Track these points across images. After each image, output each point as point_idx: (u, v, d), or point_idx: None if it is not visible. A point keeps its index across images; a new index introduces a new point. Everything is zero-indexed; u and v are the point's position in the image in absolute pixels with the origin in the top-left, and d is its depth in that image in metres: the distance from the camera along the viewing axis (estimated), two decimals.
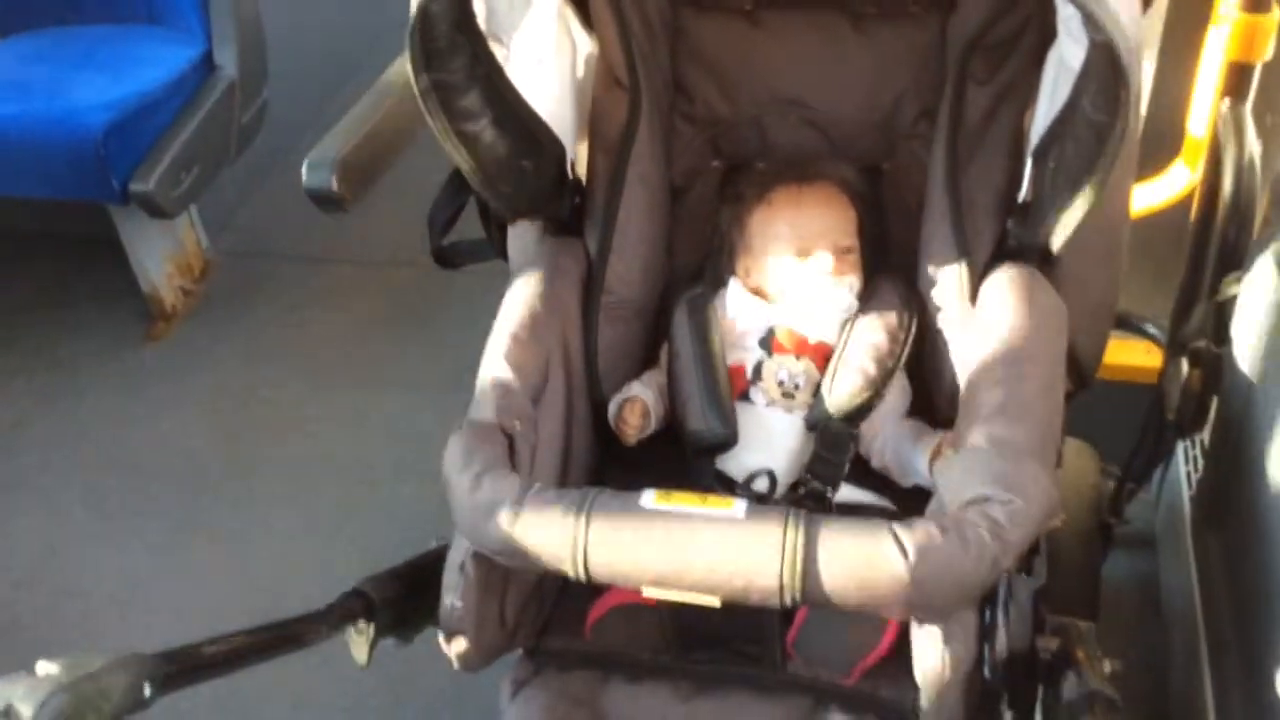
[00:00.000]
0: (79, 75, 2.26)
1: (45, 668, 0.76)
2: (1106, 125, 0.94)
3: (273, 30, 2.51)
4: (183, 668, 0.85)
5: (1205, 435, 1.49)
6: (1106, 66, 0.91)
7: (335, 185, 1.26)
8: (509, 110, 1.15)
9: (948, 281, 1.21)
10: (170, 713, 1.66)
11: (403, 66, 1.05)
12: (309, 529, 2.01)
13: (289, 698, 1.72)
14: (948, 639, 0.98)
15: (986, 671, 0.99)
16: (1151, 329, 1.63)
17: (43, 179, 2.24)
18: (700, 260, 1.39)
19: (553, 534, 0.91)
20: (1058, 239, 1.13)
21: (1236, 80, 1.46)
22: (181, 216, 2.49)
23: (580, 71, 1.29)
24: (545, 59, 1.23)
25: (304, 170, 1.27)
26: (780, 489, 1.18)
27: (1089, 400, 1.29)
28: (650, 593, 1.03)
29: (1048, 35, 1.15)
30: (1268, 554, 1.09)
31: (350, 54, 2.74)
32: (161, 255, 2.49)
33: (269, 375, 2.35)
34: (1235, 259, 1.28)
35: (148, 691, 0.80)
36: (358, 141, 1.30)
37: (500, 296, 1.23)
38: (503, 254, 1.39)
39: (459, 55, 1.06)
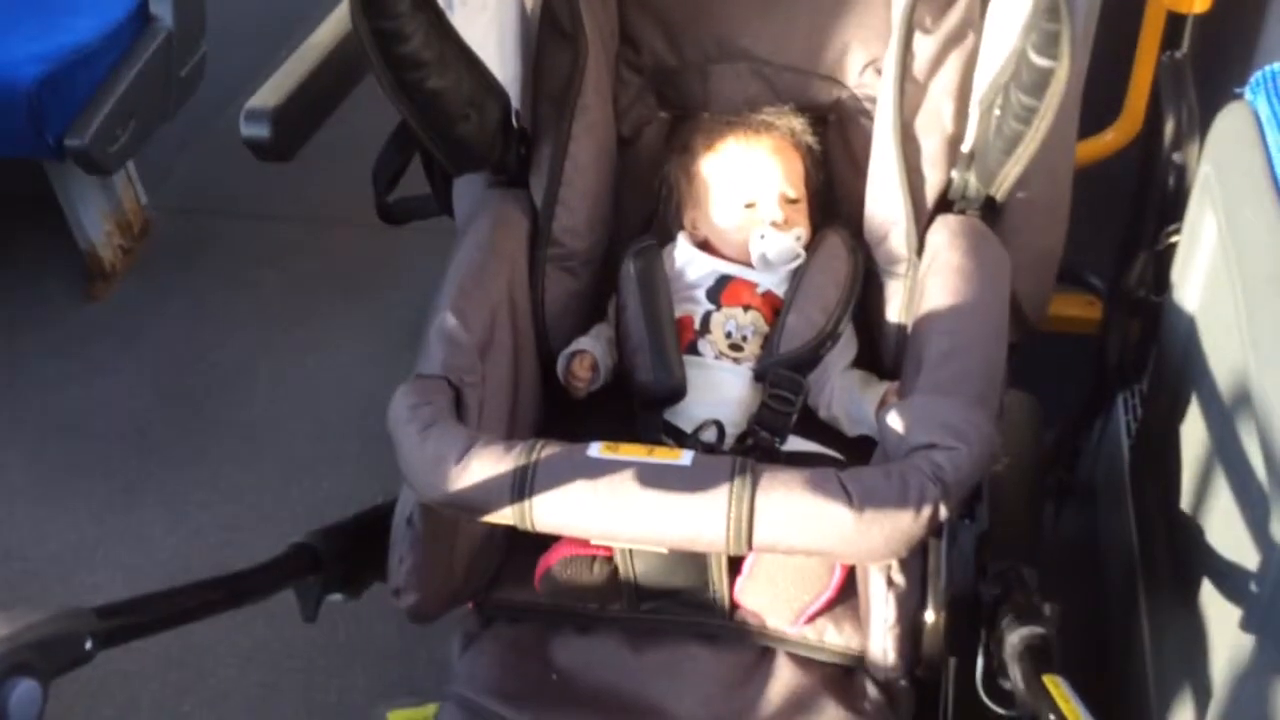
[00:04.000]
0: (9, 26, 2.18)
1: None
2: (1049, 70, 0.95)
3: None
4: (125, 622, 0.84)
5: (1145, 384, 1.52)
6: (1049, 9, 0.91)
7: (273, 134, 1.24)
8: (453, 58, 1.13)
9: (893, 231, 1.21)
10: (117, 673, 1.67)
11: (343, 14, 1.03)
12: (256, 489, 1.99)
13: (237, 655, 1.71)
14: (892, 585, 1.00)
15: (930, 615, 1.00)
16: (1094, 280, 1.65)
17: None
18: (648, 212, 1.39)
19: (499, 485, 0.91)
20: (1002, 188, 1.14)
21: (1174, 31, 1.47)
22: (119, 173, 2.43)
23: (525, 19, 1.27)
24: (489, 5, 1.21)
25: (241, 119, 1.24)
26: (728, 440, 1.19)
27: (1031, 352, 1.31)
28: (598, 542, 1.04)
29: None
30: (1202, 497, 1.11)
31: (291, 6, 2.68)
32: (99, 213, 2.42)
33: (212, 334, 2.31)
34: (1175, 209, 1.29)
35: (89, 645, 0.79)
36: (296, 90, 1.28)
37: (446, 252, 1.22)
38: (448, 209, 1.38)
39: (400, 2, 1.04)
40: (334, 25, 1.36)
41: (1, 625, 0.73)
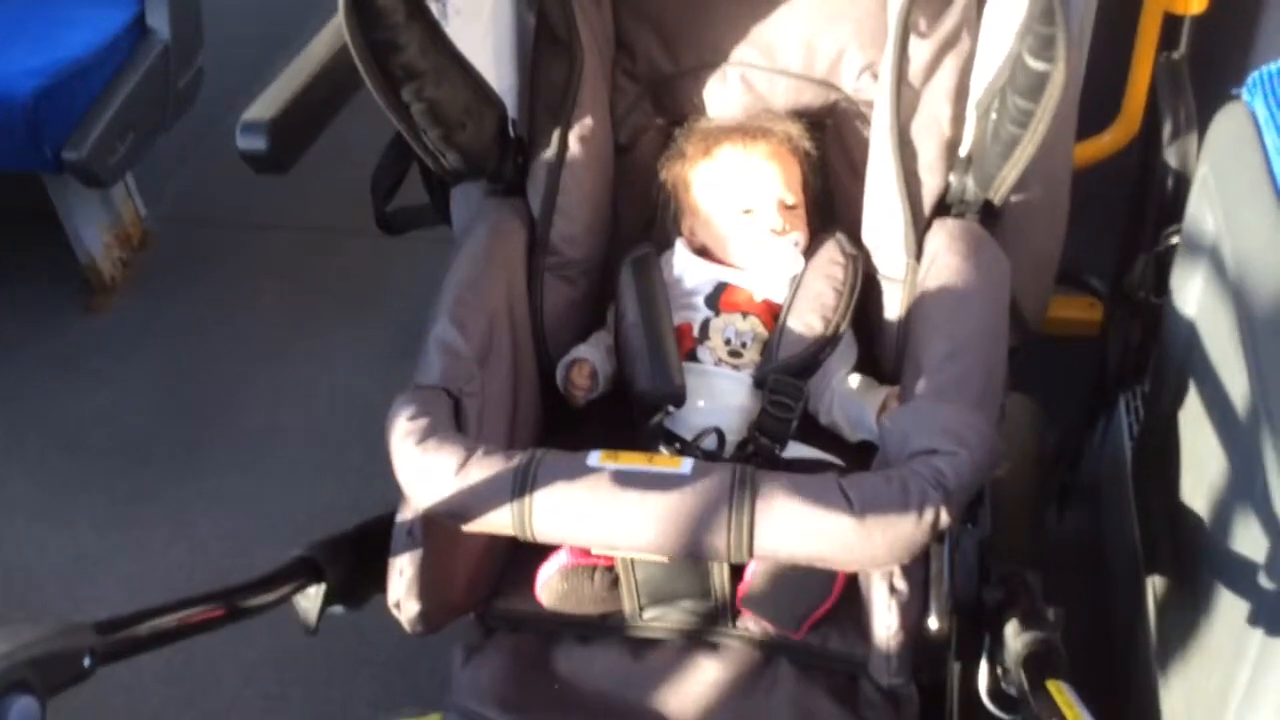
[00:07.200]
0: (7, 40, 2.19)
1: None
2: (1045, 74, 0.95)
3: None
4: (124, 638, 0.84)
5: (1146, 385, 1.52)
6: (1044, 13, 0.91)
7: (269, 146, 1.24)
8: (448, 68, 1.13)
9: (892, 236, 1.21)
10: (119, 686, 1.66)
11: (339, 24, 1.03)
12: (256, 500, 1.98)
13: (240, 668, 1.71)
14: (894, 591, 0.99)
15: (933, 621, 1.00)
16: (1094, 282, 1.65)
17: None
18: (646, 219, 1.38)
19: (498, 495, 0.91)
20: (1000, 192, 1.14)
21: (1171, 32, 1.47)
22: (118, 185, 2.43)
23: (521, 28, 1.27)
24: (483, 16, 1.21)
25: (237, 132, 1.24)
26: (729, 447, 1.18)
27: (1033, 355, 1.31)
28: (599, 551, 1.03)
29: None
30: (1205, 496, 1.11)
31: (288, 17, 2.68)
32: (98, 225, 2.43)
33: (212, 345, 2.31)
34: (1174, 210, 1.29)
35: (87, 662, 0.79)
36: (292, 101, 1.28)
37: (445, 261, 1.21)
38: (447, 218, 1.38)
39: (394, 13, 1.04)
40: (329, 36, 1.36)
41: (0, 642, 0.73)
